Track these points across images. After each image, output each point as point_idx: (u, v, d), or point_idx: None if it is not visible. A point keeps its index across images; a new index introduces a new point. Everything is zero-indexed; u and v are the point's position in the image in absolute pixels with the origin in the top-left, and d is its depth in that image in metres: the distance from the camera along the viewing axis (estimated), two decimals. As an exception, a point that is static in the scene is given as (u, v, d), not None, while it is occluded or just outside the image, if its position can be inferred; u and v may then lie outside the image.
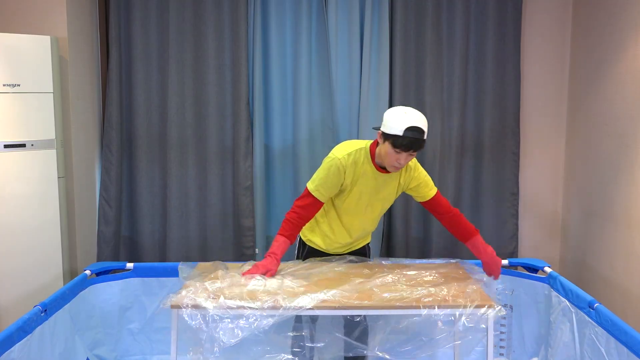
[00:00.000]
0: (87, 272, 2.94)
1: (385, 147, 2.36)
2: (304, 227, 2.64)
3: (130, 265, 3.09)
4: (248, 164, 3.56)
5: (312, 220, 2.65)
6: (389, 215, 3.65)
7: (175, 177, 3.60)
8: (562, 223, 3.74)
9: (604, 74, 3.20)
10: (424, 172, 2.62)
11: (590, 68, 3.36)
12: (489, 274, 2.57)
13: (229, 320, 2.89)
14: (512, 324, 3.09)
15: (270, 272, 2.40)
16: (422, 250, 3.69)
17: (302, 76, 3.55)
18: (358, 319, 2.60)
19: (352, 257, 2.68)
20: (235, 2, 3.48)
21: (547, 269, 2.94)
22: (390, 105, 3.57)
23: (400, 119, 2.32)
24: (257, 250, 3.64)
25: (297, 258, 2.83)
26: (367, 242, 2.85)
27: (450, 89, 3.59)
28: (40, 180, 3.09)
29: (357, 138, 3.58)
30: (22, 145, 3.03)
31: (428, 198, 2.62)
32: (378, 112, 3.56)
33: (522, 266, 3.12)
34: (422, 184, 2.59)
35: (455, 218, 2.64)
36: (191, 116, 3.58)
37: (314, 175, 2.52)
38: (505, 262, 3.11)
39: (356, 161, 2.47)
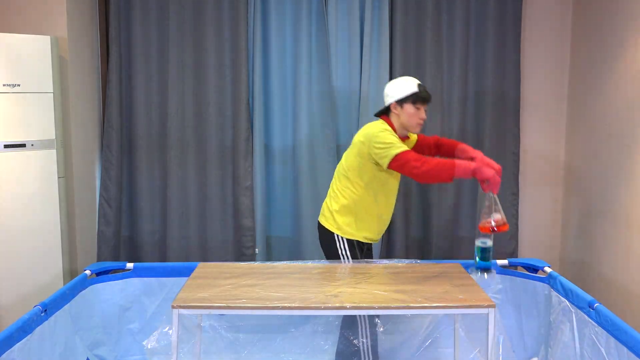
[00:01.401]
0: (87, 272, 2.94)
1: (406, 111, 2.63)
2: (339, 222, 2.70)
3: (130, 265, 3.09)
4: (248, 164, 3.56)
5: (343, 217, 2.69)
6: (389, 215, 3.65)
7: (175, 177, 3.60)
8: (562, 223, 3.74)
9: (604, 74, 3.20)
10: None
11: (590, 68, 3.36)
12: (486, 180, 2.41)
13: (229, 320, 2.91)
14: (513, 324, 3.09)
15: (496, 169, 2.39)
16: (422, 250, 3.69)
17: (302, 76, 3.55)
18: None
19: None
20: (235, 2, 3.48)
21: (547, 269, 2.94)
22: (390, 105, 3.57)
23: (406, 82, 2.65)
24: (257, 250, 3.64)
25: (343, 256, 2.75)
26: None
27: (450, 89, 3.59)
28: (40, 180, 3.09)
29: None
30: (22, 145, 3.03)
31: (416, 138, 2.84)
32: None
33: (522, 266, 3.11)
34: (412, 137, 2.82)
35: (438, 141, 2.85)
36: (191, 116, 3.58)
37: (387, 144, 2.52)
38: (505, 262, 3.11)
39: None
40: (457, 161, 2.43)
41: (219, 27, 3.52)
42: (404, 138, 2.73)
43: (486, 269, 2.40)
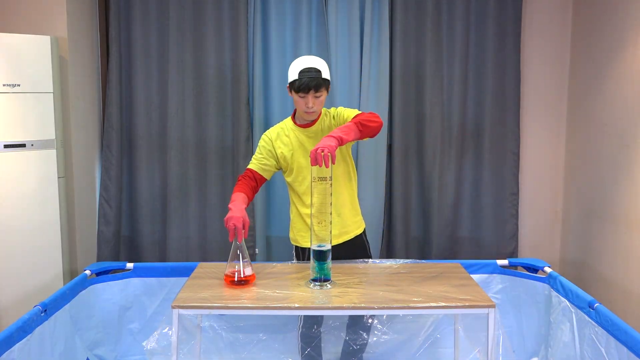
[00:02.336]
0: (87, 272, 2.94)
1: (295, 99, 2.51)
2: (291, 231, 2.74)
3: (130, 265, 3.09)
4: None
5: (291, 223, 2.72)
6: (389, 215, 3.65)
7: (175, 177, 3.60)
8: (562, 223, 3.74)
9: (604, 74, 3.20)
10: (345, 109, 2.62)
11: (590, 68, 3.36)
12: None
13: (229, 320, 2.91)
14: (513, 324, 3.09)
15: (244, 221, 2.34)
16: (422, 250, 3.69)
17: (302, 76, 3.55)
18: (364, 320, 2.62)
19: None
20: (235, 2, 3.48)
21: (547, 269, 2.94)
22: (391, 104, 3.57)
23: (294, 65, 2.49)
24: (257, 250, 3.64)
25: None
26: (360, 232, 2.74)
27: (450, 88, 3.59)
28: (40, 180, 3.09)
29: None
30: (22, 145, 3.03)
31: (350, 117, 2.56)
32: (378, 111, 3.56)
33: (522, 266, 3.11)
34: (343, 112, 2.60)
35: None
36: (191, 116, 3.58)
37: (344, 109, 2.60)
38: (505, 262, 3.11)
39: (280, 130, 2.65)
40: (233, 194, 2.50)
41: (219, 27, 3.52)
42: (303, 125, 2.58)
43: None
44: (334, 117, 2.61)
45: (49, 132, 3.12)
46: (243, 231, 2.31)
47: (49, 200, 3.12)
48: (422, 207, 3.68)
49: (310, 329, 2.73)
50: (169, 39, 3.52)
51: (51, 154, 3.14)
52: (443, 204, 3.62)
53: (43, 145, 3.10)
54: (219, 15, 3.52)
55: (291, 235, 2.78)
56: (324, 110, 2.63)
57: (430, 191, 3.61)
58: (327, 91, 2.53)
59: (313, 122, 2.60)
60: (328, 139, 2.20)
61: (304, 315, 2.72)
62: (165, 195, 3.64)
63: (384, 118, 3.56)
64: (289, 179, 2.67)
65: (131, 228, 3.71)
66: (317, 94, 2.47)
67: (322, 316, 2.74)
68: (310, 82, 2.43)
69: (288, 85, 2.51)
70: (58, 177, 3.17)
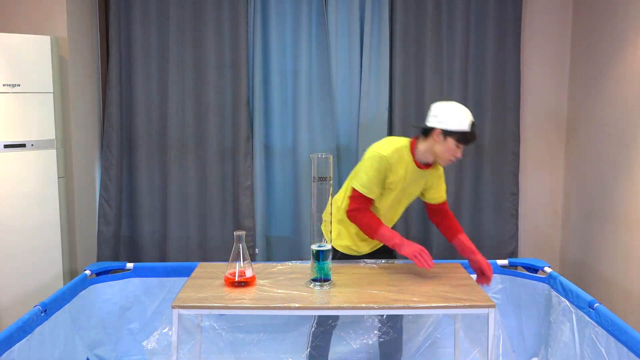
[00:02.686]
0: (87, 272, 2.94)
1: (446, 144, 2.41)
2: (333, 235, 2.64)
3: (130, 265, 3.09)
4: (248, 164, 3.56)
5: (338, 225, 2.63)
6: (389, 215, 3.65)
7: (175, 177, 3.60)
8: (562, 223, 3.74)
9: (604, 74, 3.20)
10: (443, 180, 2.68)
11: (590, 68, 3.36)
12: (481, 274, 2.53)
13: (229, 320, 2.91)
14: (513, 324, 3.09)
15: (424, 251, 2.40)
16: (422, 250, 3.68)
17: (302, 76, 3.55)
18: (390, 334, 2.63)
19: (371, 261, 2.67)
20: (235, 2, 3.48)
21: (547, 269, 2.94)
22: (391, 104, 3.57)
23: (461, 115, 2.42)
24: (257, 250, 3.64)
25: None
26: None
27: (450, 89, 3.59)
28: (40, 180, 3.09)
29: (357, 138, 3.58)
30: (22, 145, 3.03)
31: (440, 201, 2.64)
32: (378, 112, 3.57)
33: (522, 266, 3.11)
34: (440, 183, 2.64)
35: (448, 214, 2.69)
36: (191, 116, 3.58)
37: (360, 174, 2.47)
38: (505, 262, 3.11)
39: (401, 158, 2.49)
40: (382, 229, 2.44)
41: (219, 27, 3.52)
42: (424, 166, 2.52)
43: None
44: (437, 175, 2.63)
45: (49, 132, 3.12)
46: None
47: (49, 200, 3.12)
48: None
49: (324, 328, 2.72)
50: (169, 39, 3.52)
51: (51, 154, 3.14)
52: (443, 204, 3.62)
53: (43, 145, 3.10)
54: (219, 15, 3.51)
55: (339, 242, 2.66)
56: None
57: (430, 191, 3.61)
58: None
59: (430, 166, 2.56)
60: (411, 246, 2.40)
61: (318, 315, 2.71)
62: (165, 195, 3.64)
63: (384, 118, 3.56)
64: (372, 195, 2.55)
65: (131, 228, 3.71)
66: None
67: (337, 316, 2.74)
68: (475, 137, 2.44)
69: (441, 130, 2.40)
70: (58, 177, 3.17)
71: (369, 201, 2.49)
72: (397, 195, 2.55)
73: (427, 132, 2.47)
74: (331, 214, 2.38)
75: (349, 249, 2.65)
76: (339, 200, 2.64)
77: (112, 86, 3.55)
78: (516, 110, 3.62)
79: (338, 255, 2.66)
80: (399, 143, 2.52)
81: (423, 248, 2.41)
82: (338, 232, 2.65)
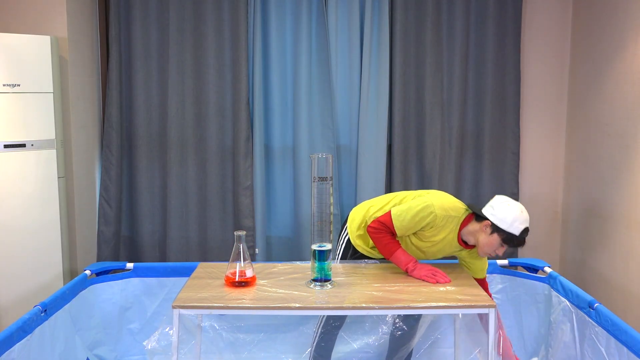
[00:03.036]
0: (87, 272, 2.94)
1: (491, 239, 2.38)
2: (354, 233, 2.64)
3: (130, 265, 3.09)
4: (248, 164, 3.56)
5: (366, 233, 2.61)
6: (389, 215, 3.64)
7: (175, 177, 3.60)
8: (562, 223, 3.74)
9: (604, 74, 3.20)
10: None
11: (590, 68, 3.36)
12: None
13: (229, 320, 2.90)
14: (513, 324, 3.09)
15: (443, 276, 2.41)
16: (422, 250, 3.69)
17: (302, 76, 3.55)
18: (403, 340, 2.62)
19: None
20: (235, 2, 3.48)
21: (547, 269, 2.94)
22: (391, 104, 3.57)
23: (518, 218, 2.39)
24: (257, 250, 3.64)
25: (343, 258, 2.73)
26: None
27: (450, 89, 3.59)
28: (40, 180, 3.09)
29: (357, 138, 3.58)
30: (22, 145, 3.03)
31: (477, 277, 2.59)
32: (378, 112, 3.56)
33: (522, 266, 3.11)
34: (478, 263, 2.59)
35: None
36: (191, 116, 3.58)
37: (404, 208, 2.45)
38: (505, 262, 3.11)
39: (447, 224, 2.45)
40: (399, 252, 2.45)
41: (219, 27, 3.52)
42: (464, 244, 2.50)
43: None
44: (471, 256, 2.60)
45: (49, 132, 3.12)
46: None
47: (49, 200, 3.12)
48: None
49: (326, 329, 2.72)
50: (169, 39, 3.52)
51: (51, 154, 3.14)
52: (443, 204, 3.61)
53: (43, 145, 3.10)
54: (219, 15, 3.51)
55: (358, 242, 2.66)
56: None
57: (430, 191, 3.61)
58: None
59: (470, 247, 2.53)
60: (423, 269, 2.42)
61: (326, 316, 2.71)
62: (165, 195, 3.64)
63: (384, 118, 3.56)
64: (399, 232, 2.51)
65: (131, 228, 3.71)
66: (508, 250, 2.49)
67: (342, 318, 2.74)
68: (523, 244, 2.43)
69: (493, 224, 2.37)
70: (58, 177, 3.17)
71: (394, 233, 2.47)
72: (423, 247, 2.54)
73: (480, 218, 2.43)
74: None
75: (368, 252, 2.65)
76: (365, 211, 2.63)
77: (112, 86, 3.55)
78: (516, 110, 3.62)
79: (357, 255, 2.67)
80: (455, 212, 2.46)
81: (436, 268, 2.42)
82: (365, 239, 2.63)
